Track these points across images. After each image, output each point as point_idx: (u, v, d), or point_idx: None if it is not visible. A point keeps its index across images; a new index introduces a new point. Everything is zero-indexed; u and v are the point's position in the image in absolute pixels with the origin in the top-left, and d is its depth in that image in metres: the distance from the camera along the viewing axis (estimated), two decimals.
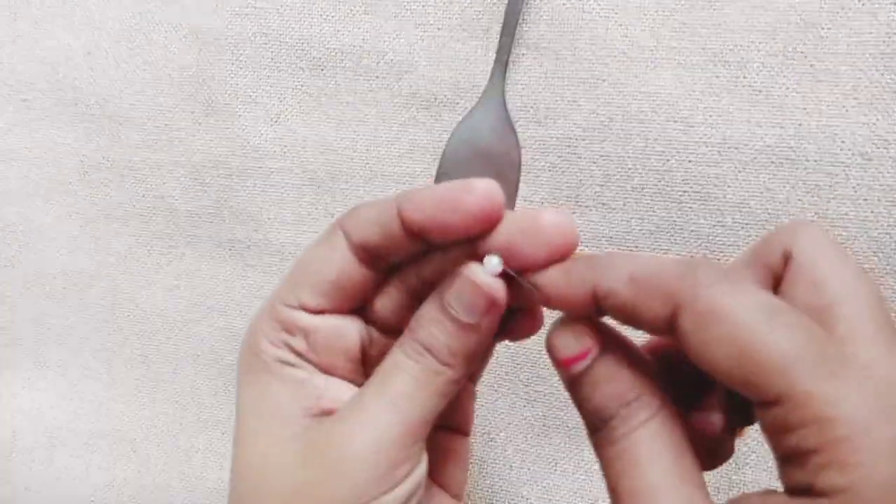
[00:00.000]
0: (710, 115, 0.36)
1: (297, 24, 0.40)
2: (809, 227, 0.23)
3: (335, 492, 0.24)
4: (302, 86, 0.40)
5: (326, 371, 0.27)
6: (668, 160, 0.36)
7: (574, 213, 0.38)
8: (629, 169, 0.37)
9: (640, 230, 0.37)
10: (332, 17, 0.40)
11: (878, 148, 0.34)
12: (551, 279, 0.24)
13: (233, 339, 0.43)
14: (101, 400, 0.45)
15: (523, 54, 0.38)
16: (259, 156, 0.41)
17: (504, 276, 0.24)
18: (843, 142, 0.34)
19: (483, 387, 0.40)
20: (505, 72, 0.37)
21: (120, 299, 0.44)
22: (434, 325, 0.25)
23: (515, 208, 0.38)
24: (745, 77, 0.35)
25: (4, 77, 0.44)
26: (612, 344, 0.23)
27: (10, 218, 0.45)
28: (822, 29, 0.35)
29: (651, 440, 0.22)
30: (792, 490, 0.20)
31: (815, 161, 0.35)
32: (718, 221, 0.36)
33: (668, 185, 0.36)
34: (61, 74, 0.44)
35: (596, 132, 0.37)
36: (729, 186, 0.36)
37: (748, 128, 0.35)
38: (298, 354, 0.27)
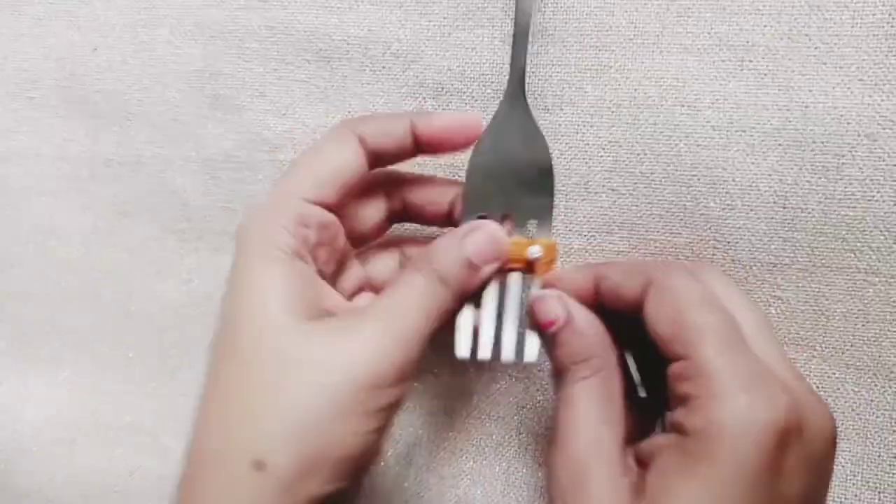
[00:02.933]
0: (717, 99, 0.36)
1: (302, 16, 0.40)
2: (712, 266, 0.34)
3: (365, 371, 0.28)
4: (309, 78, 0.41)
5: (319, 272, 0.32)
6: (676, 144, 0.37)
7: (584, 199, 0.38)
8: (637, 154, 0.37)
9: (650, 215, 0.37)
10: (337, 8, 0.40)
11: (884, 128, 0.34)
12: (563, 271, 0.33)
13: None
14: (119, 393, 0.45)
15: (530, 42, 0.38)
16: (269, 148, 0.41)
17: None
18: (848, 123, 0.35)
19: (499, 373, 0.40)
20: (524, 77, 0.35)
21: (134, 294, 0.44)
22: (448, 260, 0.31)
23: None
24: (750, 60, 0.36)
25: (10, 74, 0.44)
26: (578, 317, 0.31)
27: (21, 216, 0.45)
28: (827, 11, 0.35)
29: (586, 390, 0.30)
30: (671, 427, 0.27)
31: (822, 142, 0.35)
32: (728, 204, 0.36)
33: (676, 170, 0.37)
34: (67, 71, 0.44)
35: (604, 118, 0.37)
36: (737, 169, 0.36)
37: (755, 111, 0.36)
38: (309, 250, 0.31)
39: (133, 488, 0.45)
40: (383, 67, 0.40)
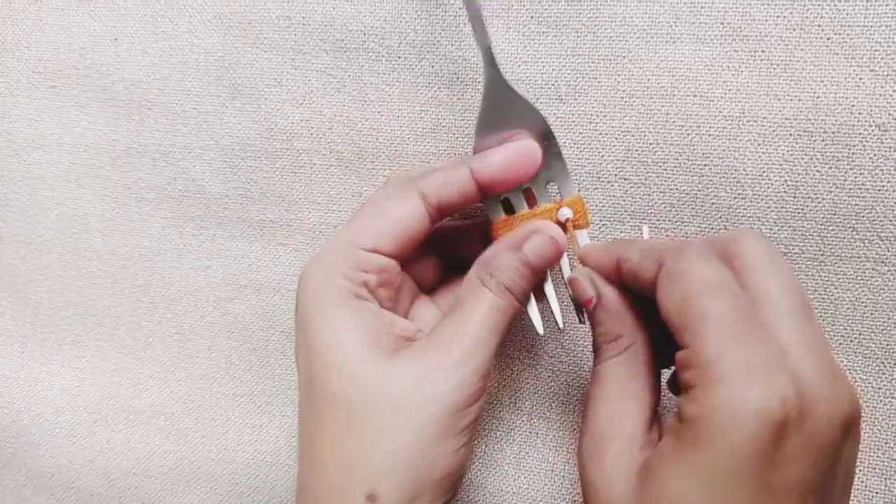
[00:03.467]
0: (729, 89, 0.37)
1: (319, 6, 0.41)
2: (751, 233, 0.30)
3: (453, 396, 0.31)
4: (326, 67, 0.41)
5: (385, 307, 0.34)
6: (688, 134, 0.37)
7: (596, 188, 0.39)
8: (650, 143, 0.38)
9: (662, 203, 0.38)
10: None
11: (895, 119, 0.35)
12: (592, 248, 0.34)
13: (266, 315, 0.44)
14: (138, 377, 0.46)
15: (544, 32, 0.38)
16: (287, 137, 0.42)
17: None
18: (860, 113, 0.35)
19: (510, 359, 0.41)
20: (491, 52, 0.35)
21: (154, 280, 0.45)
22: (514, 273, 0.33)
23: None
24: (762, 51, 0.36)
25: (32, 64, 0.45)
26: (606, 296, 0.32)
27: (44, 203, 0.46)
28: (839, 1, 0.35)
29: (613, 368, 0.31)
30: (677, 415, 0.27)
31: (833, 133, 0.36)
32: (739, 194, 0.37)
33: (688, 159, 0.37)
34: (88, 61, 0.44)
35: (617, 108, 0.38)
36: (749, 159, 0.37)
37: (767, 101, 0.36)
38: (370, 290, 0.33)
39: (152, 470, 0.46)
40: (399, 57, 0.40)
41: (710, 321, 0.27)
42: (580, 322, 0.35)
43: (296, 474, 0.44)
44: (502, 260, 0.33)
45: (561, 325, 0.36)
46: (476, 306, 0.32)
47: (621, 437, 0.29)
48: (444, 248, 0.38)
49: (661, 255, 0.29)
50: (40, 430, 0.47)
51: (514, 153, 0.34)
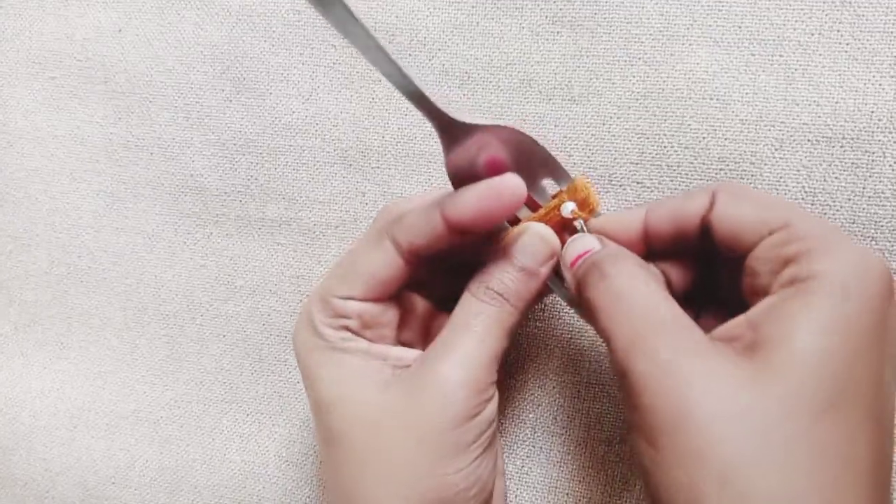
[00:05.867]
0: (747, 93, 0.36)
1: None
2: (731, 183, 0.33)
3: (441, 415, 0.29)
4: (334, 63, 0.40)
5: (376, 342, 0.33)
6: (703, 138, 0.36)
7: (608, 191, 0.38)
8: (664, 147, 0.37)
9: None
10: None
11: None
12: (607, 218, 0.32)
13: (261, 318, 0.42)
14: (123, 380, 0.44)
15: (559, 32, 0.38)
16: (290, 134, 0.41)
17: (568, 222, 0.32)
18: (879, 119, 0.34)
19: (515, 369, 0.39)
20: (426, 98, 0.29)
21: (145, 279, 0.44)
22: (504, 275, 0.31)
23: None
24: (780, 55, 0.36)
25: (33, 54, 0.44)
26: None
27: (35, 196, 0.45)
28: (859, 7, 0.35)
29: (632, 265, 0.29)
30: (783, 285, 0.27)
31: (853, 139, 0.35)
32: None
33: (703, 163, 0.36)
34: (91, 52, 0.43)
35: (631, 110, 0.37)
36: (765, 164, 0.36)
37: (785, 105, 0.35)
38: (354, 332, 0.32)
39: (133, 479, 0.44)
40: (409, 55, 0.40)
41: (797, 209, 0.29)
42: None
43: (284, 486, 0.42)
44: (491, 267, 0.32)
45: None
46: (465, 317, 0.31)
47: (680, 322, 0.27)
48: (462, 262, 0.36)
49: (708, 189, 0.30)
50: (15, 435, 0.45)
51: (488, 192, 0.29)
